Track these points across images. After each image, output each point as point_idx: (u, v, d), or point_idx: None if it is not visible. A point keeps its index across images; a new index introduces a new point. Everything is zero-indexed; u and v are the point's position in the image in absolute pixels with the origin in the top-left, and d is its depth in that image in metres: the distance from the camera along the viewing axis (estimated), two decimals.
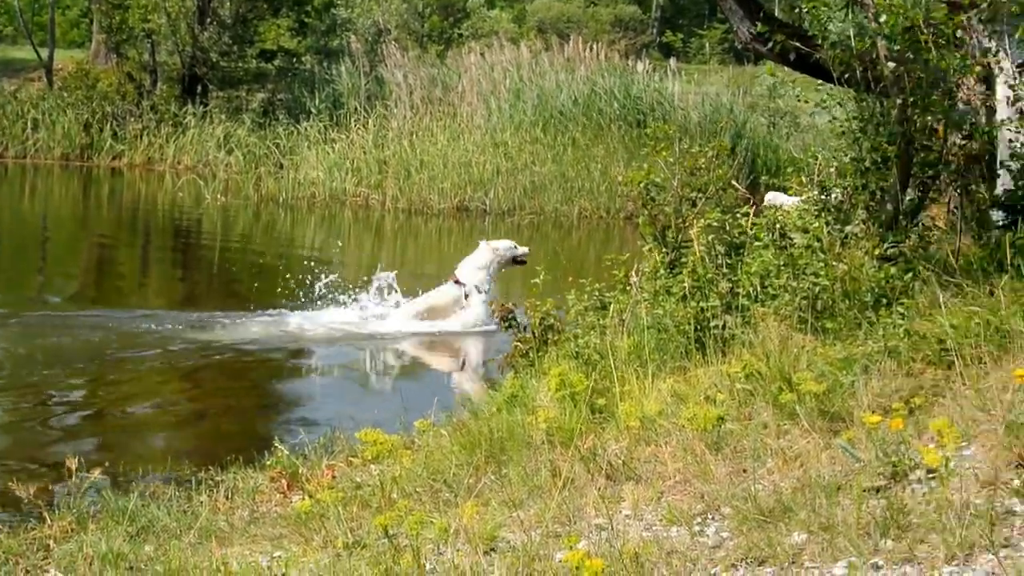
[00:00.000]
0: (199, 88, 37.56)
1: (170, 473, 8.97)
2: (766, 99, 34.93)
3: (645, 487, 6.27)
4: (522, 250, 15.94)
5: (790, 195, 11.80)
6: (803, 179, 10.57)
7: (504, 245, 15.91)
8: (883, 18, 9.74)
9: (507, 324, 11.98)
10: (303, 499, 7.20)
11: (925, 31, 9.90)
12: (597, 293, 10.80)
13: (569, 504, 5.98)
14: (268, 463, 8.66)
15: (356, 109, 33.17)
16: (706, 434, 6.68)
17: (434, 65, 36.97)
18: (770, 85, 31.23)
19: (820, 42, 10.34)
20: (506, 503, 6.32)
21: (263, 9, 39.67)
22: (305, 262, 18.92)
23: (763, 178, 20.80)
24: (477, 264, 15.62)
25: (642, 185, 10.92)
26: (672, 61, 36.72)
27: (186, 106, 35.97)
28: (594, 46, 34.91)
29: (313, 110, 33.86)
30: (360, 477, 8.07)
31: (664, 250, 10.54)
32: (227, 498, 8.14)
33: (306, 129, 32.27)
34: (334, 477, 8.31)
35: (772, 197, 17.18)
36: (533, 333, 11.30)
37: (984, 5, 10.61)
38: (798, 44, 11.20)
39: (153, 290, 20.23)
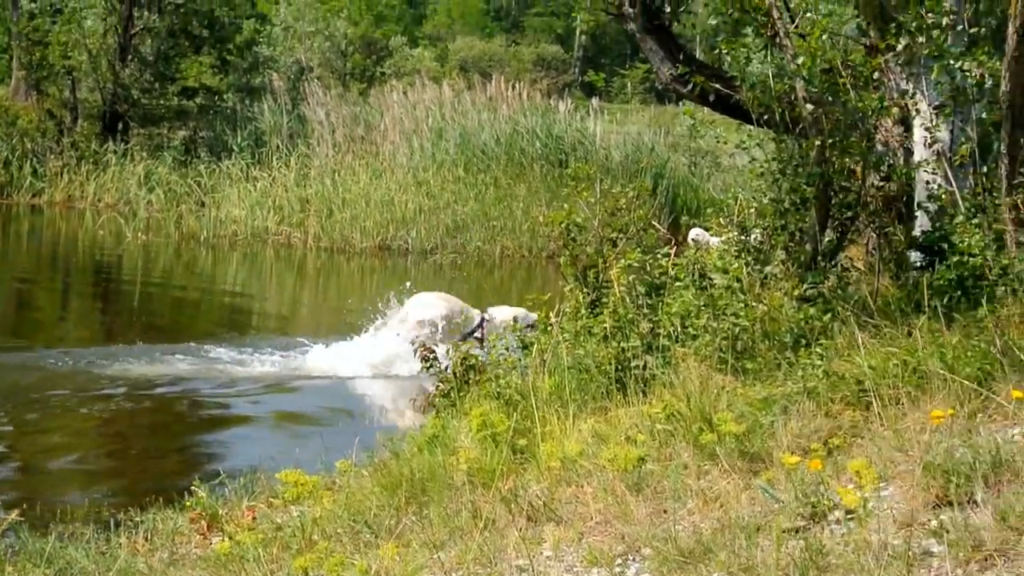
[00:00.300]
0: (120, 125, 37.28)
1: (89, 514, 8.85)
2: (687, 139, 35.10)
3: (566, 528, 6.25)
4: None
5: (712, 234, 11.88)
6: (723, 220, 10.64)
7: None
8: (801, 60, 9.84)
9: (428, 364, 11.95)
10: (223, 540, 7.13)
11: (843, 73, 10.01)
12: (519, 333, 10.81)
13: (490, 545, 5.96)
14: (188, 504, 8.57)
15: (278, 147, 33.09)
16: (627, 475, 6.68)
17: (356, 103, 37.00)
18: (691, 125, 31.55)
19: (739, 83, 10.43)
20: (427, 544, 6.29)
21: (185, 46, 39.49)
22: (226, 299, 18.82)
23: (683, 218, 20.94)
24: None
25: (563, 225, 10.95)
26: (594, 100, 36.86)
27: (107, 143, 35.67)
28: (516, 85, 35.04)
29: (235, 148, 33.75)
30: (281, 518, 7.99)
31: (585, 290, 10.57)
32: (146, 539, 8.05)
33: (228, 167, 32.10)
34: (254, 518, 8.25)
35: (697, 233, 17.28)
36: (454, 373, 11.27)
37: (901, 48, 10.75)
38: (718, 85, 11.30)
39: (72, 327, 20.00)
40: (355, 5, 67.69)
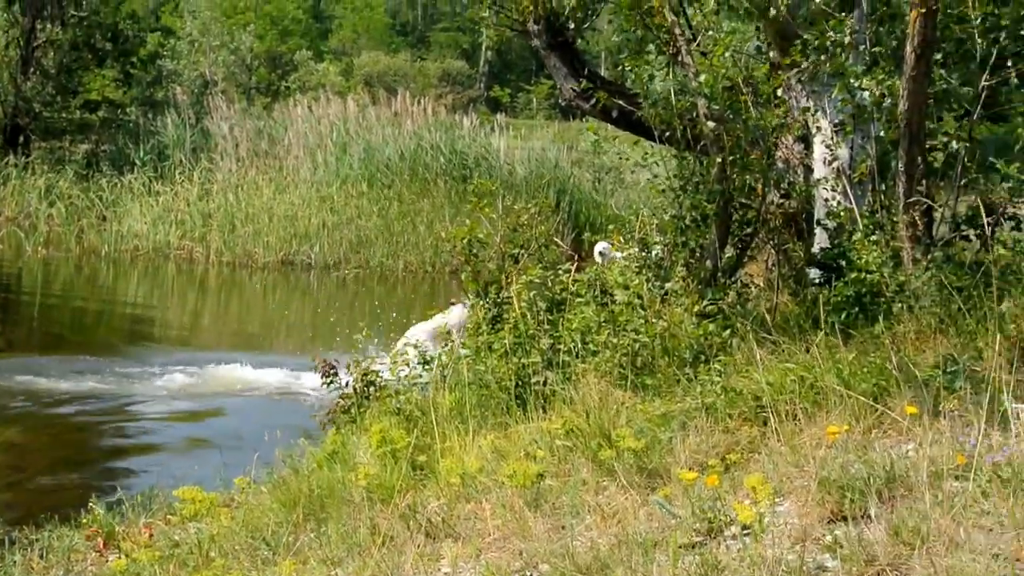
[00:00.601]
0: (21, 138, 36.77)
1: None
2: (591, 155, 35.17)
3: (464, 544, 6.23)
4: None
5: (614, 250, 11.91)
6: (624, 236, 10.67)
7: None
8: (703, 77, 9.89)
9: (328, 380, 11.87)
10: (119, 558, 7.06)
11: (745, 91, 10.08)
12: (420, 349, 10.79)
13: (388, 562, 5.92)
14: (84, 521, 8.48)
15: (181, 161, 32.81)
16: (525, 491, 6.66)
17: (260, 118, 36.78)
18: (594, 141, 31.62)
19: (642, 100, 10.46)
20: (325, 561, 6.25)
21: (88, 60, 38.98)
22: (127, 314, 18.64)
23: (586, 234, 21.01)
24: None
25: (465, 241, 10.94)
26: (499, 116, 36.93)
27: (7, 157, 35.10)
28: (421, 100, 35.00)
29: (137, 162, 33.39)
30: (178, 535, 7.90)
31: (486, 306, 10.57)
32: (41, 557, 7.94)
33: (130, 181, 31.74)
34: (151, 535, 8.16)
35: (603, 248, 17.31)
36: (355, 389, 11.21)
37: (804, 65, 10.84)
38: (621, 102, 11.34)
39: None
40: (261, 19, 67.42)
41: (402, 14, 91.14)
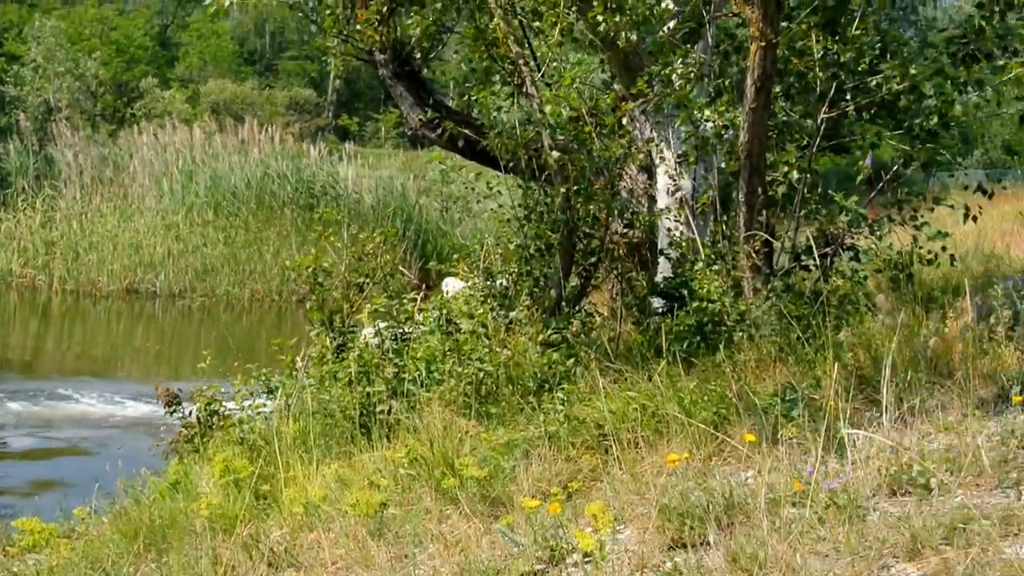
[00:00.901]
0: None
1: None
2: (439, 184, 35.24)
3: (307, 574, 6.19)
4: None
5: (458, 279, 11.91)
6: (469, 265, 10.69)
7: None
8: (548, 108, 9.95)
9: (171, 409, 11.72)
10: None
11: (589, 121, 10.15)
12: (264, 378, 10.70)
13: None
14: None
15: (24, 188, 32.30)
16: (368, 520, 6.64)
17: (105, 145, 36.33)
18: (441, 170, 31.69)
19: (488, 130, 10.50)
20: None
21: None
22: None
23: (431, 263, 21.00)
24: None
25: (310, 270, 10.88)
26: (347, 144, 36.82)
27: None
28: (269, 128, 34.82)
29: None
30: (16, 567, 7.75)
31: (332, 335, 10.52)
32: None
33: None
34: None
35: (451, 284, 17.27)
36: (199, 418, 11.08)
37: (649, 96, 10.95)
38: (467, 131, 11.36)
39: None
40: (107, 46, 66.50)
41: (249, 42, 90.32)
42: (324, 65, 30.63)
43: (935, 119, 11.09)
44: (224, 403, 10.91)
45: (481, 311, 9.71)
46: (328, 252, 11.38)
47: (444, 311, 9.95)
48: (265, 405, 10.19)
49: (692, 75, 11.13)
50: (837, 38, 10.85)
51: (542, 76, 10.85)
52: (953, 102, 11.17)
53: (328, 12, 13.36)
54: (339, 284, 11.00)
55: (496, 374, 9.01)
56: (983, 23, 11.36)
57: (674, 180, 11.75)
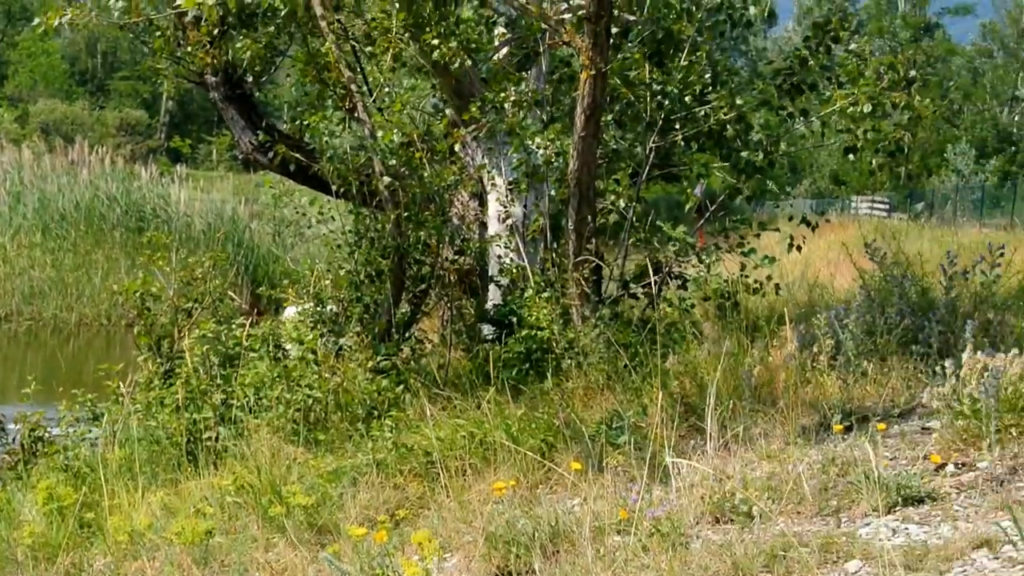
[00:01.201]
0: None
1: None
2: (271, 208, 34.97)
3: None
4: None
5: (286, 306, 11.82)
6: (299, 290, 10.62)
7: None
8: (380, 134, 9.94)
9: None
10: None
11: (421, 147, 10.16)
12: (90, 404, 10.52)
13: None
14: None
15: None
16: (194, 548, 6.55)
17: None
18: (273, 195, 31.48)
19: (319, 155, 10.45)
20: None
21: None
22: None
23: (263, 289, 20.84)
24: None
25: (137, 295, 10.73)
26: (179, 167, 36.39)
27: None
28: (99, 150, 34.27)
29: None
30: None
31: (159, 360, 10.39)
32: None
33: None
34: None
35: (291, 312, 17.12)
36: (22, 445, 10.85)
37: (482, 122, 10.99)
38: (298, 156, 11.29)
39: None
40: None
41: (81, 61, 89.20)
42: (157, 86, 30.26)
43: (760, 154, 11.31)
44: (49, 429, 10.70)
45: (311, 337, 9.66)
46: (157, 276, 11.24)
47: (273, 337, 9.88)
48: (91, 431, 10.01)
49: (525, 102, 11.19)
50: (665, 68, 10.99)
51: (374, 101, 10.84)
52: (779, 139, 11.40)
53: (159, 34, 13.20)
54: (167, 309, 10.86)
55: (325, 401, 8.97)
56: (808, 55, 11.61)
57: (505, 207, 11.81)
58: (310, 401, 8.89)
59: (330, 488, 7.24)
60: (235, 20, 12.65)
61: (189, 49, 13.08)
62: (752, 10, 11.51)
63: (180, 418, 9.18)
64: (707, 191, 13.23)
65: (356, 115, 10.40)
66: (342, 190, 10.38)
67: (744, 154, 11.37)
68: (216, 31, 12.75)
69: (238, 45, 12.86)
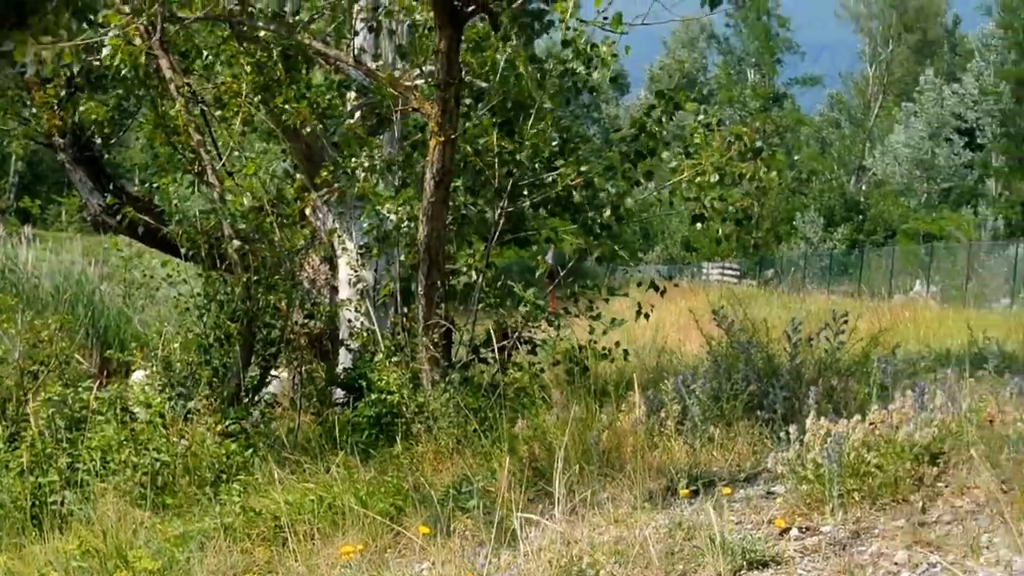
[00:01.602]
0: None
1: None
2: (122, 270, 34.55)
3: None
4: None
5: (134, 369, 11.71)
6: (147, 353, 10.54)
7: None
8: (230, 198, 9.93)
9: None
10: None
11: (271, 211, 10.15)
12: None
13: None
14: None
15: None
16: None
17: None
18: (124, 257, 31.09)
19: (168, 218, 10.41)
20: None
21: None
22: None
23: (113, 351, 20.59)
24: None
25: None
26: (27, 227, 35.84)
27: None
28: None
29: None
30: None
31: (4, 423, 10.22)
32: None
33: None
34: None
35: (138, 376, 16.92)
36: None
37: (334, 186, 11.02)
38: (146, 219, 11.22)
39: None
40: None
41: None
42: (4, 146, 29.82)
43: (607, 212, 11.44)
44: None
45: (158, 400, 9.58)
46: (2, 338, 11.08)
47: (121, 400, 9.79)
48: None
49: (377, 167, 11.24)
50: (514, 135, 11.09)
51: (223, 165, 10.82)
52: (625, 196, 11.55)
53: (1, 95, 13.07)
54: (13, 371, 10.71)
55: (173, 464, 8.89)
56: (646, 122, 11.81)
57: (356, 271, 11.83)
58: (158, 465, 8.80)
59: (177, 552, 7.17)
60: (82, 81, 12.58)
61: (34, 111, 12.97)
62: (596, 75, 11.65)
63: (25, 482, 9.03)
64: (559, 256, 13.35)
65: (205, 179, 10.38)
66: (191, 253, 10.33)
67: (591, 214, 11.49)
68: (63, 92, 12.66)
69: (82, 108, 12.76)
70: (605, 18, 11.31)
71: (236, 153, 10.99)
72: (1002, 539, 5.36)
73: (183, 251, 10.43)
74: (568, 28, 11.52)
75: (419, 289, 10.04)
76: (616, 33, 11.38)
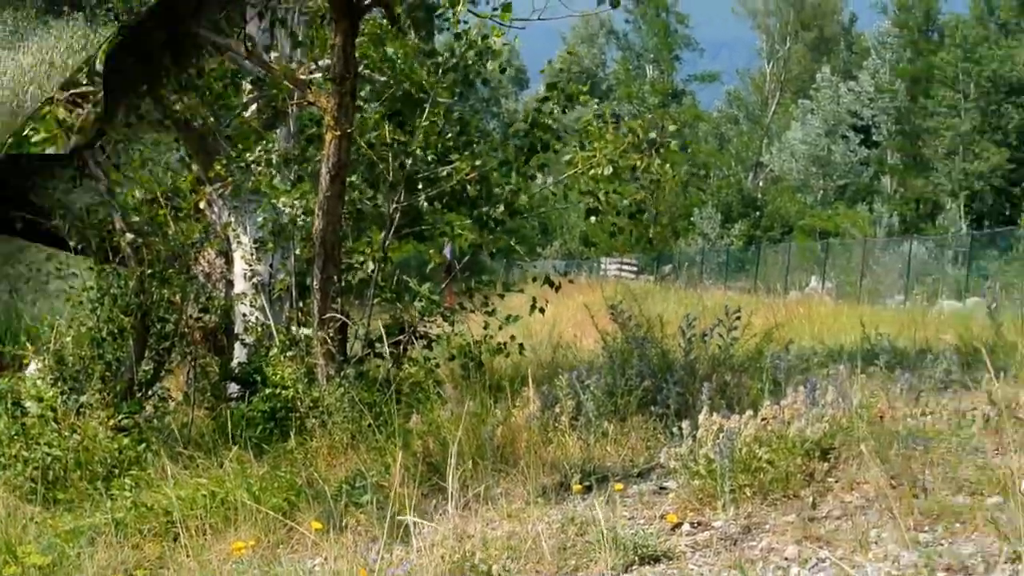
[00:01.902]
0: None
1: None
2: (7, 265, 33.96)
3: None
4: None
5: (26, 362, 11.57)
6: (39, 347, 10.43)
7: None
8: (120, 191, 9.84)
9: None
10: None
11: (165, 204, 10.08)
12: None
13: None
14: None
15: None
16: None
17: None
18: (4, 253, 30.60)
19: (52, 213, 10.30)
20: None
21: None
22: None
23: (4, 346, 20.29)
24: None
25: None
26: None
27: None
28: None
29: None
30: None
31: None
32: None
33: None
34: None
35: (32, 369, 16.69)
36: None
37: (228, 179, 10.95)
38: (26, 214, 11.09)
39: None
40: None
41: None
42: None
43: (501, 207, 11.46)
44: None
45: (51, 394, 9.48)
46: None
47: (12, 394, 9.68)
48: None
49: (272, 161, 11.18)
50: (407, 129, 11.07)
51: (107, 157, 10.71)
52: (519, 191, 11.57)
53: None
54: None
55: (65, 459, 8.81)
56: (537, 116, 11.84)
57: (251, 265, 11.76)
58: (49, 459, 8.71)
59: (67, 548, 7.11)
60: None
61: None
62: (489, 66, 11.66)
63: None
64: (458, 251, 13.35)
65: (88, 171, 10.26)
66: (80, 246, 10.22)
67: (485, 208, 11.49)
68: None
69: None
70: (495, 9, 11.30)
71: (121, 144, 10.86)
72: (890, 534, 5.43)
73: (72, 245, 10.33)
74: (459, 21, 11.52)
75: (314, 283, 9.99)
76: (505, 25, 11.37)
